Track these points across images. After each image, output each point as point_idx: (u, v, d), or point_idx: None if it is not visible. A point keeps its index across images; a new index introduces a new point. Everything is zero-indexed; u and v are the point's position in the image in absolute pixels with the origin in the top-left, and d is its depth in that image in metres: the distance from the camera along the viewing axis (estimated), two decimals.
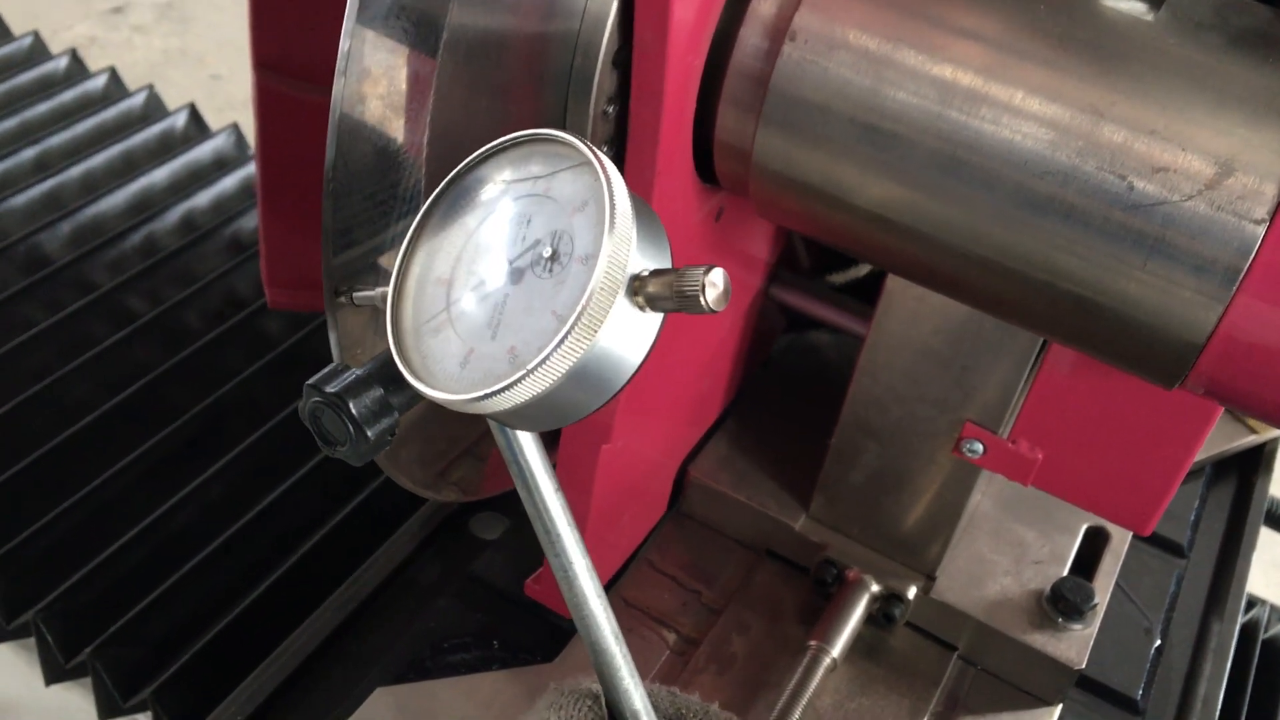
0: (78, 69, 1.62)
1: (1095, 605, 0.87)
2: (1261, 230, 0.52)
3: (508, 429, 0.47)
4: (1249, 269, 0.53)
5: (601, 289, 0.40)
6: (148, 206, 1.42)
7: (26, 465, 1.08)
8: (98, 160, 1.46)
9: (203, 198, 1.44)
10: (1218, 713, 0.93)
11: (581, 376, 0.41)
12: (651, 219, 0.43)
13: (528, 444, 0.48)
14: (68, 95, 1.55)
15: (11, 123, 1.48)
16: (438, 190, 0.46)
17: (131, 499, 1.09)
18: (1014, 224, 0.57)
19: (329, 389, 0.44)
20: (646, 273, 0.41)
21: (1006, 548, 0.91)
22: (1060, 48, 0.56)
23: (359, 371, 0.45)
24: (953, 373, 0.78)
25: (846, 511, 0.89)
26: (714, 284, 0.40)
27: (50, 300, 1.27)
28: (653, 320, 0.42)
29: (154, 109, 1.58)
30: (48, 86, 1.57)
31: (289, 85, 0.92)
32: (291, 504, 1.08)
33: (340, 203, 0.53)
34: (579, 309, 0.40)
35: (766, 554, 0.93)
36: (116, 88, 1.60)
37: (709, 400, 0.92)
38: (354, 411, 0.44)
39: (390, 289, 0.45)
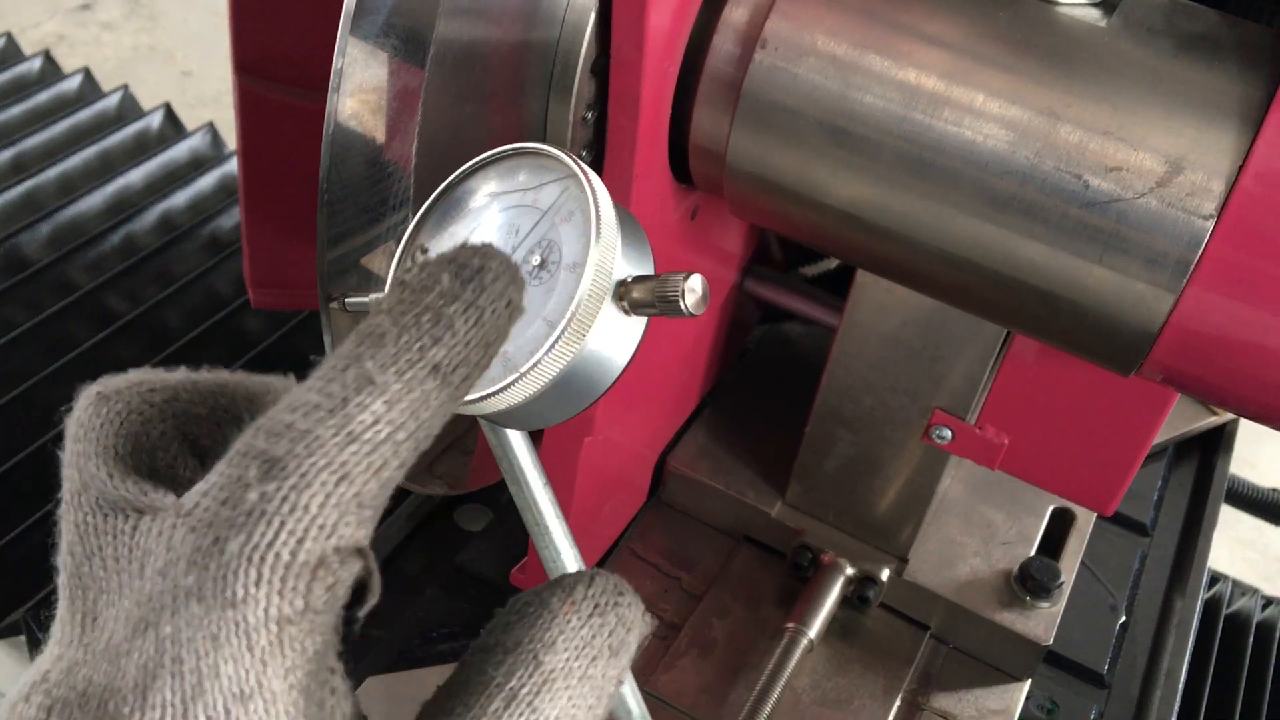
0: (52, 70, 1.62)
1: (1061, 584, 0.90)
2: (1210, 225, 0.55)
3: (505, 444, 0.49)
4: (1198, 262, 0.56)
5: (589, 296, 0.42)
6: (125, 207, 1.43)
7: (11, 466, 1.10)
8: (74, 161, 1.46)
9: (180, 197, 1.45)
10: (1181, 685, 0.96)
11: (571, 379, 0.43)
12: (634, 227, 0.45)
13: (517, 441, 0.50)
14: (42, 96, 1.56)
15: None
16: (428, 202, 0.48)
17: None
18: (977, 221, 0.60)
19: None
20: (630, 279, 0.44)
21: (976, 530, 0.94)
22: (1018, 53, 0.59)
23: None
24: (921, 362, 0.81)
25: (821, 498, 0.92)
26: (693, 289, 0.43)
27: (30, 302, 1.28)
28: (637, 324, 0.44)
29: (129, 109, 1.59)
30: (22, 88, 1.58)
31: (270, 89, 0.94)
32: None
33: (335, 212, 0.55)
34: (568, 315, 0.42)
35: (745, 540, 0.96)
36: (91, 88, 1.60)
37: (687, 391, 0.95)
38: None
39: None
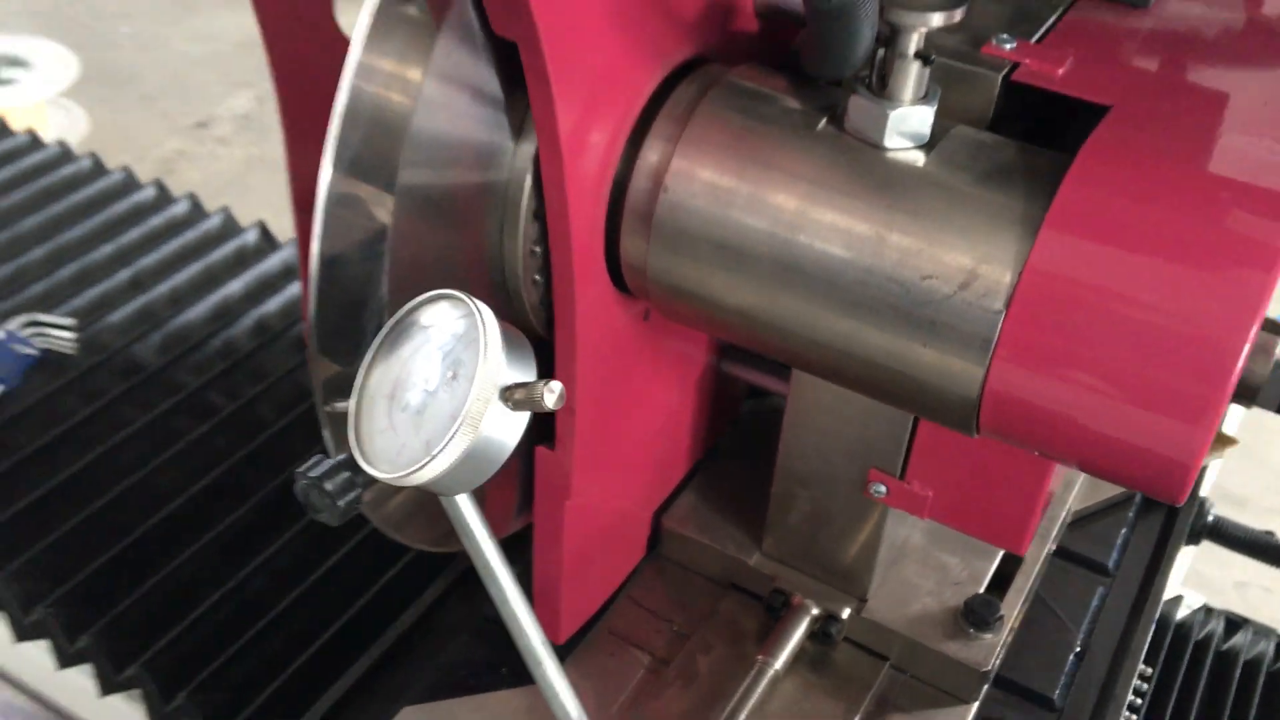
0: (164, 197, 1.86)
1: (1001, 617, 1.03)
2: (1001, 316, 0.70)
3: (454, 506, 0.66)
4: (996, 344, 0.70)
5: (476, 400, 0.59)
6: (226, 314, 1.64)
7: (129, 543, 1.29)
8: (183, 276, 1.68)
9: (273, 304, 1.66)
10: (1125, 707, 1.08)
11: (471, 457, 0.60)
12: (523, 347, 0.62)
13: (464, 503, 0.67)
14: (156, 220, 1.79)
15: (109, 248, 1.71)
16: (383, 332, 0.66)
17: (215, 568, 1.29)
18: (833, 317, 0.75)
19: (311, 474, 0.64)
20: (515, 385, 0.60)
21: (931, 572, 1.08)
22: (857, 183, 0.75)
23: (332, 461, 0.65)
24: (855, 428, 0.96)
25: (790, 548, 1.06)
26: (551, 391, 0.59)
27: (145, 401, 1.48)
28: (521, 417, 0.61)
29: (230, 228, 1.81)
30: (139, 214, 1.81)
31: None
32: (347, 567, 1.28)
33: (324, 346, 0.73)
34: (463, 414, 0.59)
35: (731, 587, 1.11)
36: (197, 211, 1.84)
37: (673, 459, 1.11)
38: (328, 489, 0.64)
39: (352, 403, 0.65)
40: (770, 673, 1.00)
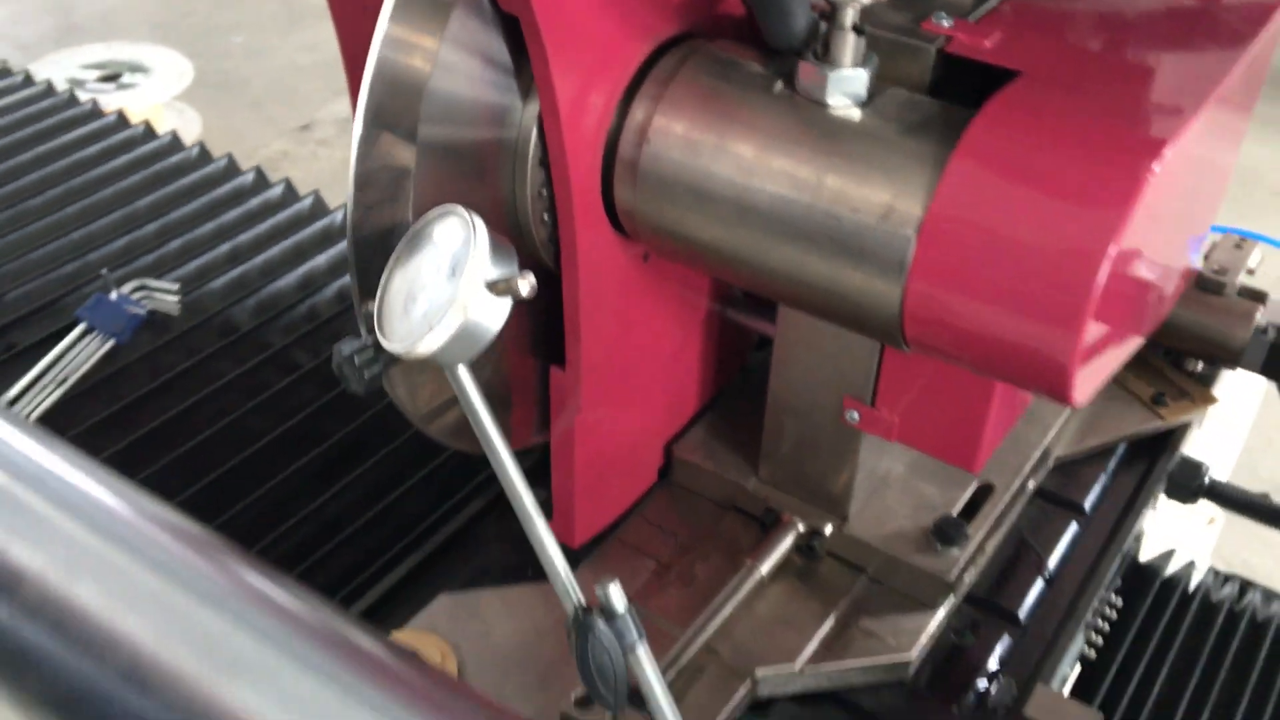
0: (262, 182, 2.06)
1: (966, 535, 1.16)
2: (912, 243, 0.84)
3: (455, 377, 0.82)
4: (911, 265, 0.84)
5: (465, 287, 0.75)
6: (312, 284, 1.82)
7: (221, 474, 1.48)
8: (275, 251, 1.87)
9: None
10: (1085, 626, 1.20)
11: (464, 333, 0.76)
12: (507, 249, 0.78)
13: (462, 373, 0.83)
14: (253, 202, 1.99)
15: (211, 225, 1.92)
16: (403, 240, 0.82)
17: (297, 496, 1.46)
18: (784, 246, 0.90)
19: (345, 351, 0.81)
20: (499, 277, 0.76)
21: (909, 499, 1.21)
22: (802, 134, 0.89)
23: (360, 342, 0.81)
24: (832, 360, 1.10)
25: (782, 473, 1.21)
26: (525, 280, 0.75)
27: (238, 357, 1.67)
28: (505, 303, 0.77)
29: (319, 210, 2.00)
30: (239, 196, 2.01)
31: None
32: (411, 499, 1.45)
33: (359, 263, 0.90)
34: (457, 299, 0.75)
35: (734, 509, 1.25)
36: (291, 195, 2.04)
37: (681, 394, 1.26)
38: (356, 362, 0.80)
39: (378, 299, 0.82)
40: (756, 575, 1.14)
